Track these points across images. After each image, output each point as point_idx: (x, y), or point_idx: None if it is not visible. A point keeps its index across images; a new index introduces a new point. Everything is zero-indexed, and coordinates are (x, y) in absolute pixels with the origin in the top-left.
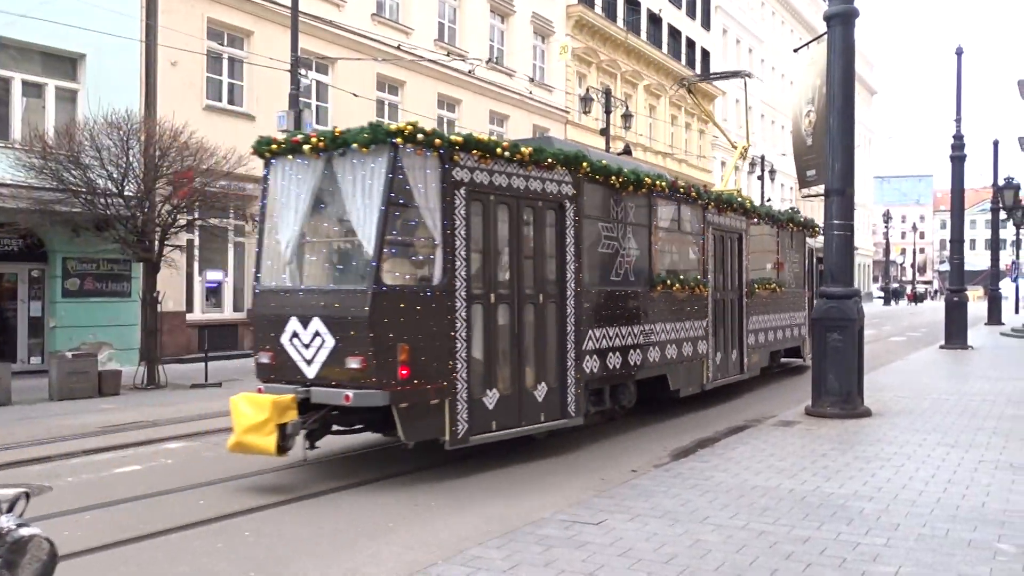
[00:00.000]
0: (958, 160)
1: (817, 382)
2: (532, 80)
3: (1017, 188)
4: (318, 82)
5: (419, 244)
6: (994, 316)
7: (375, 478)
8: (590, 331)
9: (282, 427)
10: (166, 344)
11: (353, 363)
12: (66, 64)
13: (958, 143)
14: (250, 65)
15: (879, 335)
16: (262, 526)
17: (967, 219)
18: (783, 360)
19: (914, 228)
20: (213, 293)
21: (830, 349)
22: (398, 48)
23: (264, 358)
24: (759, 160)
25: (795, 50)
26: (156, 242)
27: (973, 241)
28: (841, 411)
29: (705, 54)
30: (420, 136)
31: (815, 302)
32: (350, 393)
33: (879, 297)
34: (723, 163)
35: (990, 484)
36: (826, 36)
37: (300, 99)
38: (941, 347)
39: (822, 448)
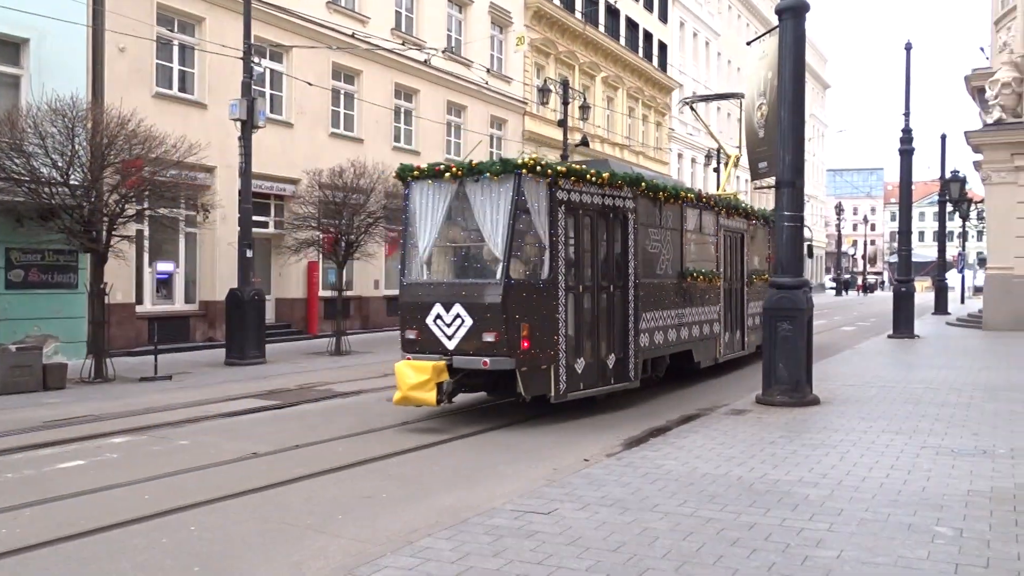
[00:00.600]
0: (906, 154)
1: (767, 371)
2: (490, 71)
3: (963, 181)
4: (272, 70)
5: (533, 248)
6: (940, 306)
7: (324, 470)
8: (643, 314)
9: (439, 385)
10: (114, 336)
11: (488, 337)
12: (8, 49)
13: (906, 137)
14: (202, 52)
15: (830, 325)
16: (208, 520)
17: (916, 211)
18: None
19: (865, 220)
20: (164, 284)
21: (780, 339)
22: (352, 37)
23: (411, 335)
24: (715, 152)
25: (748, 43)
26: (103, 232)
27: (922, 233)
28: (790, 399)
29: (662, 47)
30: (537, 168)
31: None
32: (487, 360)
33: (831, 288)
34: (679, 155)
35: (931, 469)
36: (778, 29)
37: (253, 88)
38: (889, 337)
39: (771, 436)
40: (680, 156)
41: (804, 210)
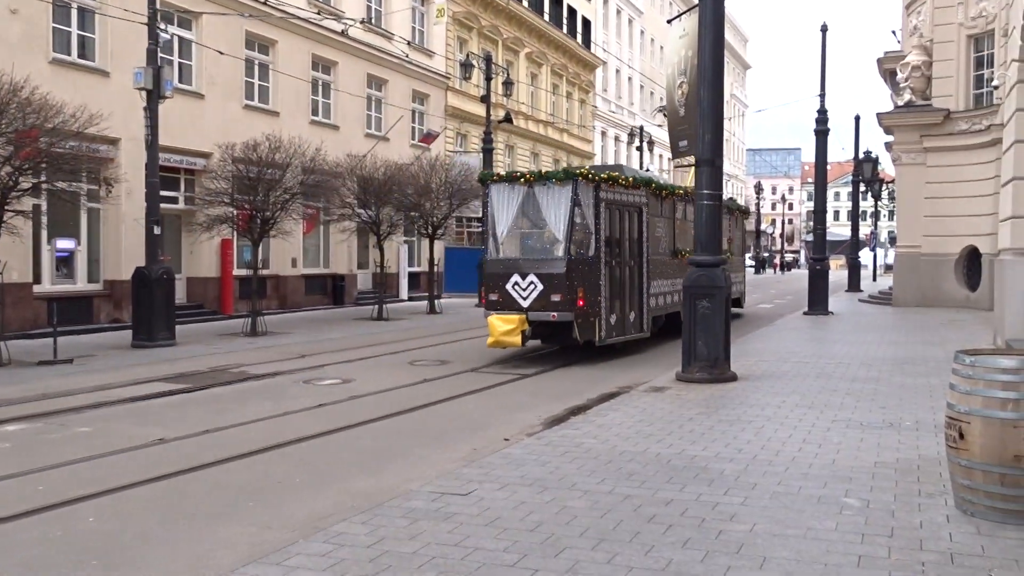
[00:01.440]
0: (822, 134)
1: (687, 348)
2: (411, 44)
3: (875, 162)
4: (181, 38)
5: (583, 233)
6: (853, 283)
7: (235, 455)
8: (652, 282)
9: (523, 332)
10: (9, 318)
11: (555, 298)
12: None
13: (822, 118)
14: (103, 16)
15: (748, 302)
16: (107, 511)
17: (831, 192)
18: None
19: (783, 199)
20: (64, 263)
21: (699, 316)
22: (266, 4)
23: (493, 297)
24: (638, 131)
25: (668, 21)
26: None
27: (837, 212)
28: (709, 376)
29: (586, 23)
30: (588, 176)
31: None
32: (555, 314)
33: (750, 266)
34: (603, 133)
35: (840, 443)
36: (697, 8)
37: (160, 55)
38: (805, 313)
39: (689, 412)
40: (604, 134)
41: (723, 188)
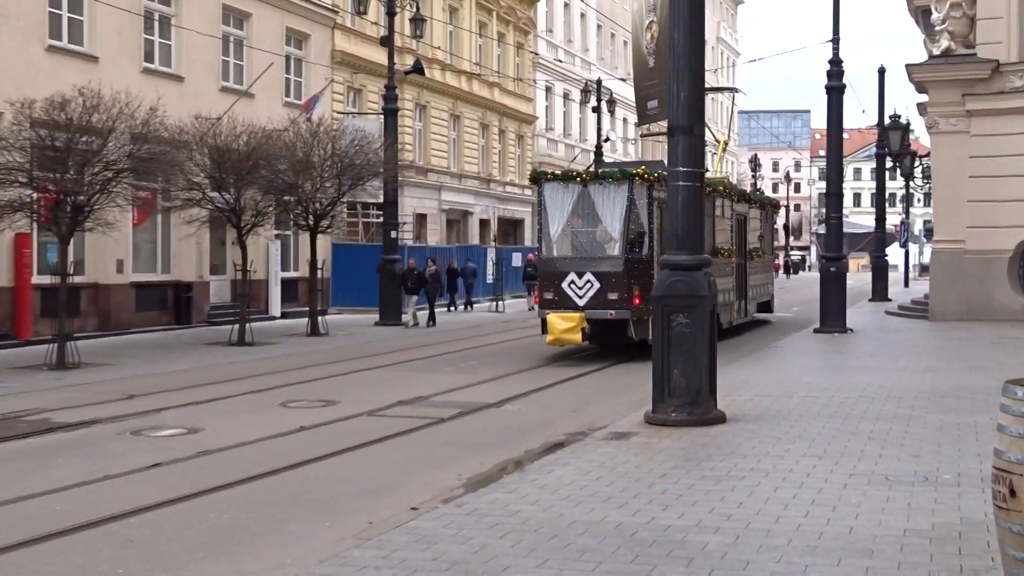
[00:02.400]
0: (836, 92)
1: (659, 380)
2: None
3: (905, 129)
4: None
5: (638, 232)
6: (879, 291)
7: (30, 539)
8: None
9: (583, 329)
10: None
11: (612, 296)
12: None
13: (835, 70)
14: None
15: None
16: None
17: (849, 168)
18: (756, 315)
19: (787, 178)
20: None
21: (675, 336)
22: None
23: (548, 296)
24: (594, 87)
25: None
26: None
27: (857, 196)
28: (688, 417)
29: None
30: (644, 175)
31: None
32: (612, 312)
33: None
34: (548, 88)
35: (860, 504)
36: None
37: None
38: (815, 331)
39: (662, 467)
40: (549, 89)
41: (706, 164)
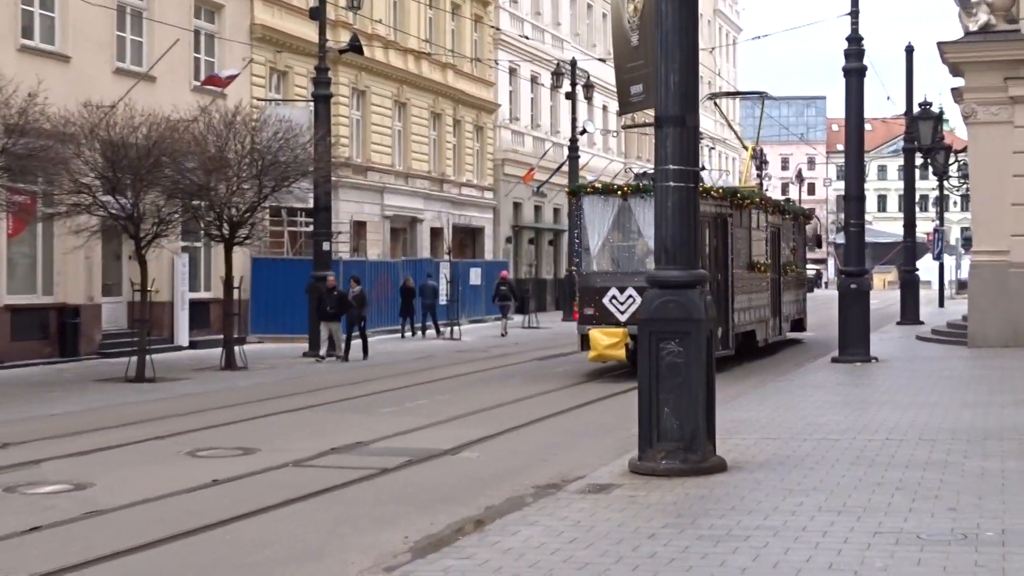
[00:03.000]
0: (855, 75)
1: (646, 421)
2: None
3: (938, 119)
4: None
5: None
6: (909, 312)
7: None
8: (736, 297)
9: (626, 345)
10: None
11: None
12: None
13: (855, 49)
14: None
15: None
16: None
17: (872, 165)
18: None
19: (799, 177)
20: None
21: (665, 368)
22: None
23: (588, 311)
24: (567, 69)
25: None
26: None
27: (882, 198)
28: (682, 465)
29: None
30: None
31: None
32: None
33: None
34: (512, 70)
35: (887, 568)
36: None
37: None
38: (834, 360)
39: (650, 526)
40: (514, 72)
41: (700, 162)
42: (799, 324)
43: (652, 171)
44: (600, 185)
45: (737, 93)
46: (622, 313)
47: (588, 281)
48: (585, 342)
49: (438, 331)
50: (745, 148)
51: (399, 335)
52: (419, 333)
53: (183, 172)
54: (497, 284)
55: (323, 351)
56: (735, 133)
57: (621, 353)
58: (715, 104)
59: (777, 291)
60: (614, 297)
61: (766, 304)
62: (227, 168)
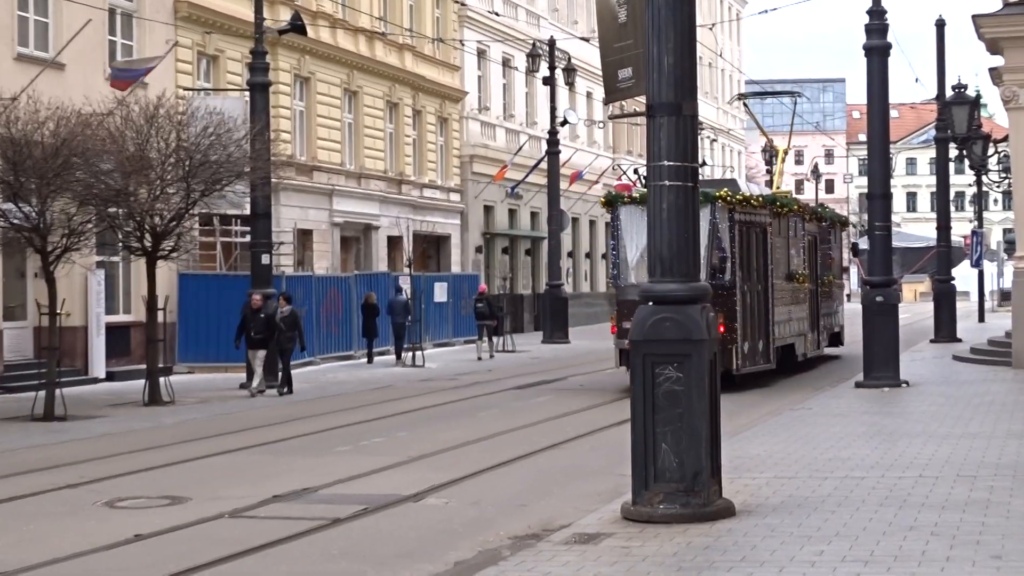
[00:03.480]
0: (879, 54)
1: (641, 459)
2: None
3: (974, 103)
4: None
5: (719, 257)
6: (945, 327)
7: None
8: (776, 309)
9: None
10: None
11: None
12: None
13: (878, 24)
14: None
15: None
16: None
17: (901, 158)
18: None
19: (815, 173)
20: None
21: (662, 397)
22: None
23: (627, 324)
24: (545, 50)
25: None
26: None
27: (912, 196)
28: (683, 510)
29: None
30: (727, 197)
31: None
32: None
33: None
34: (481, 52)
35: None
36: None
37: None
38: (858, 384)
39: None
40: (483, 54)
41: (700, 157)
42: (836, 338)
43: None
44: (638, 195)
45: (768, 93)
46: None
47: (627, 294)
48: (625, 357)
49: (399, 356)
50: (775, 150)
51: (365, 359)
52: (382, 356)
53: (97, 175)
54: (474, 300)
55: (254, 384)
56: (765, 136)
57: None
58: (744, 105)
59: (816, 303)
60: None
61: (805, 316)
62: (149, 169)
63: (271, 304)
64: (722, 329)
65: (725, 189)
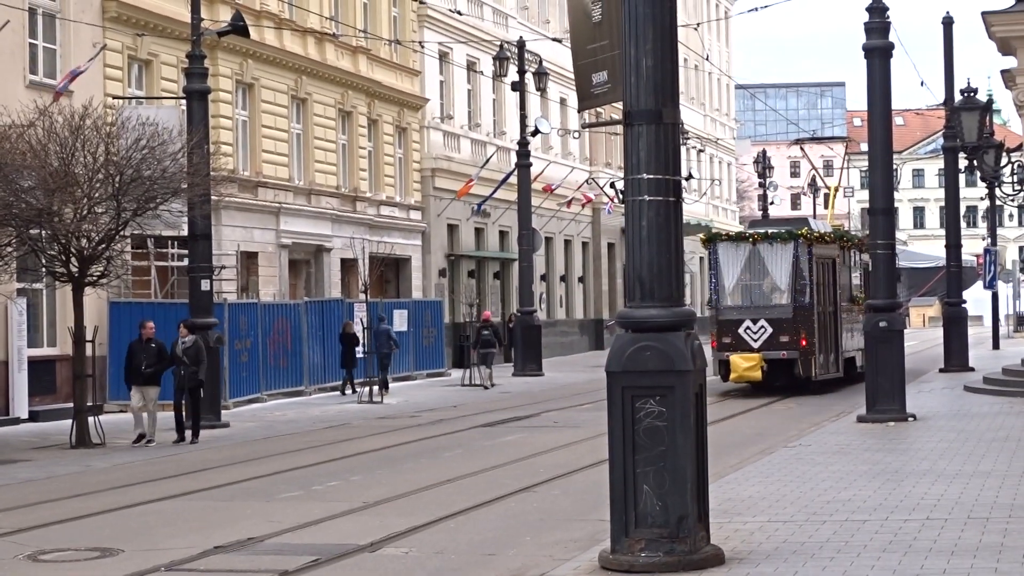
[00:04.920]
0: (880, 55)
1: (621, 502)
2: None
3: (986, 108)
4: None
5: (800, 283)
6: (956, 355)
7: None
8: (843, 327)
9: (761, 368)
10: None
11: (784, 339)
12: None
13: (878, 22)
14: None
15: (742, 401)
16: None
17: (906, 169)
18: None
19: (812, 186)
20: None
21: (643, 434)
22: None
23: (726, 340)
24: (514, 53)
25: None
26: None
27: (919, 211)
28: (666, 558)
29: None
30: (806, 234)
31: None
32: (784, 353)
33: None
34: (444, 53)
35: None
36: None
37: None
38: (860, 419)
39: None
40: (445, 56)
41: (685, 169)
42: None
43: (772, 221)
44: (733, 233)
45: (821, 139)
46: (755, 341)
47: (725, 315)
48: (724, 367)
49: (384, 387)
50: (827, 188)
51: (340, 392)
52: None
53: (17, 192)
54: (479, 328)
55: (141, 430)
56: (823, 182)
57: (758, 375)
58: (801, 149)
59: (856, 323)
60: (748, 328)
61: (862, 333)
62: (75, 186)
63: (192, 337)
64: (804, 343)
65: (805, 228)
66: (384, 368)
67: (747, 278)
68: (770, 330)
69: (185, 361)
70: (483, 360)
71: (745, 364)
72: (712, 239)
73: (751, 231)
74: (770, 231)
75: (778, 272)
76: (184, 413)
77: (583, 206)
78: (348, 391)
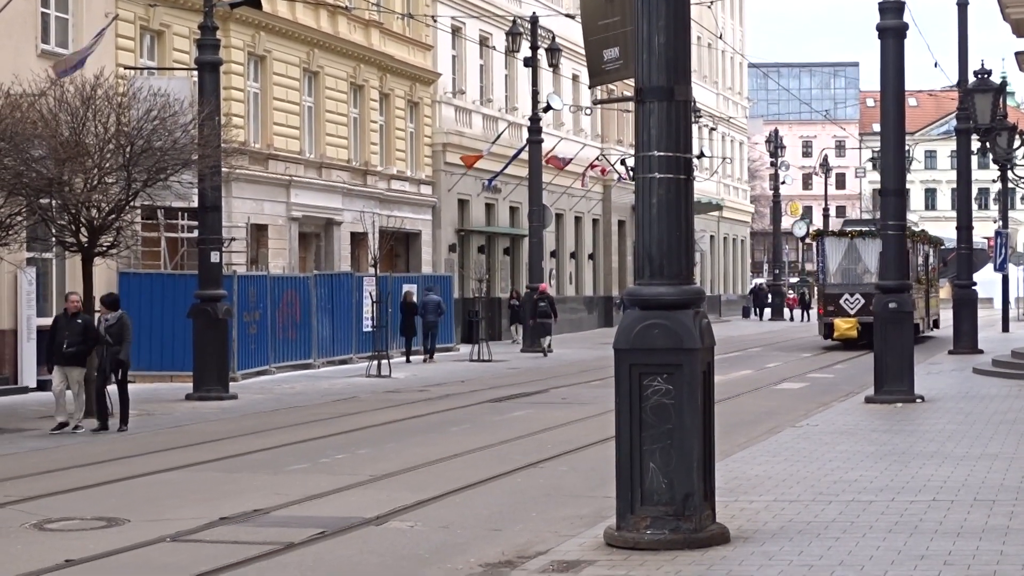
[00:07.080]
0: (894, 35)
1: (627, 479)
2: None
3: (999, 90)
4: None
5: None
6: (965, 337)
7: None
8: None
9: (857, 328)
10: None
11: (872, 308)
12: None
13: (893, 2)
14: None
15: (754, 378)
16: None
17: (919, 151)
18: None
19: (824, 166)
20: None
21: (650, 411)
22: None
23: (830, 308)
24: (527, 28)
25: None
26: None
27: (931, 193)
28: (672, 535)
29: None
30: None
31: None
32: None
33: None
34: (457, 28)
35: None
36: None
37: None
38: (868, 400)
39: None
40: (458, 31)
41: (697, 147)
42: (935, 323)
43: (865, 220)
44: (836, 230)
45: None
46: (852, 309)
47: (830, 290)
48: (828, 328)
49: (431, 354)
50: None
51: (403, 359)
52: (423, 358)
53: (28, 162)
54: (536, 299)
55: (63, 417)
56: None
57: (854, 333)
58: (874, 166)
59: (927, 299)
60: (846, 299)
61: (925, 307)
62: (85, 156)
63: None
64: None
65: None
66: (432, 336)
67: (846, 263)
68: (863, 301)
69: (108, 340)
70: (541, 329)
71: (845, 326)
72: (820, 234)
73: (849, 228)
74: (862, 229)
75: (868, 258)
76: (109, 398)
77: (603, 173)
78: (407, 359)
